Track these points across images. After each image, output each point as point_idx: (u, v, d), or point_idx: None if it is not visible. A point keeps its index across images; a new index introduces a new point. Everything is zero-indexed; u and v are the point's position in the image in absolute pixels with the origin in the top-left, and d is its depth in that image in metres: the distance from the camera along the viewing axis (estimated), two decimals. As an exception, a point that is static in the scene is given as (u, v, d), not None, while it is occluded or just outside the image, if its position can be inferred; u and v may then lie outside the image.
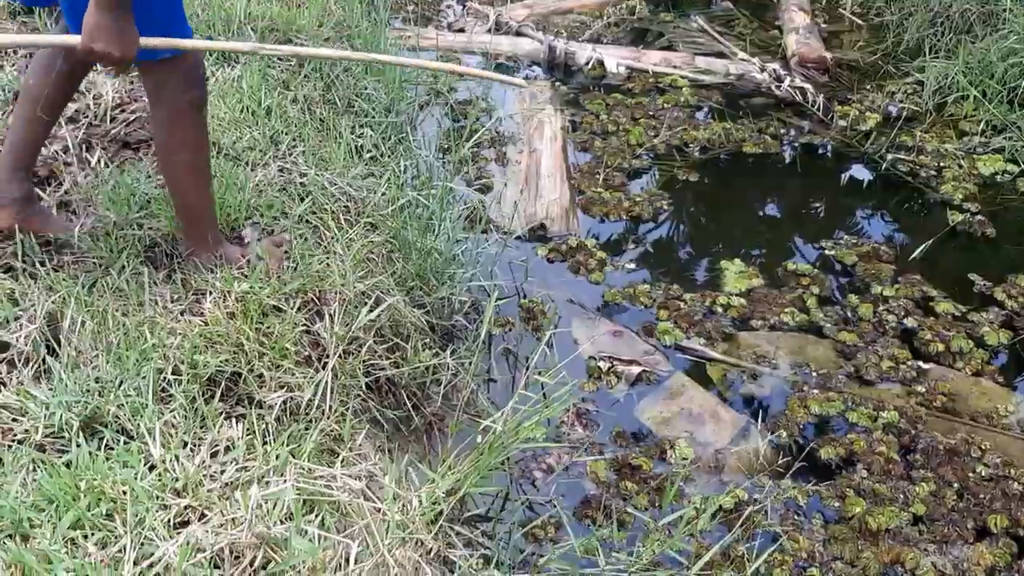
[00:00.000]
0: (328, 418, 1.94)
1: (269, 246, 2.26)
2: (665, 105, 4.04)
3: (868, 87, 4.15)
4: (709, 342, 2.85)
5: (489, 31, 4.57)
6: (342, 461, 1.72)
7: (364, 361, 2.21)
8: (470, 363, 2.62)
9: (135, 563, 1.31)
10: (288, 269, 2.20)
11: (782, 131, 3.89)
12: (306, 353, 2.09)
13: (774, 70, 4.16)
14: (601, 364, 2.75)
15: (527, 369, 2.45)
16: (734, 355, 2.81)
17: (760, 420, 2.59)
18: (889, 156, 3.68)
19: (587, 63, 4.31)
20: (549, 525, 2.26)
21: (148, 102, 1.99)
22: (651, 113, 3.99)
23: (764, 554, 2.02)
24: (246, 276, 2.04)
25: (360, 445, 1.98)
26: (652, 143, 3.77)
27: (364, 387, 2.23)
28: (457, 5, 4.87)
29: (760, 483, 2.38)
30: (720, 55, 4.44)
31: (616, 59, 4.31)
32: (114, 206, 2.25)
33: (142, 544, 1.37)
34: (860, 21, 4.74)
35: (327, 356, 2.09)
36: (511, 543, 2.18)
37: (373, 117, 3.33)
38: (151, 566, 1.32)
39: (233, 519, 1.41)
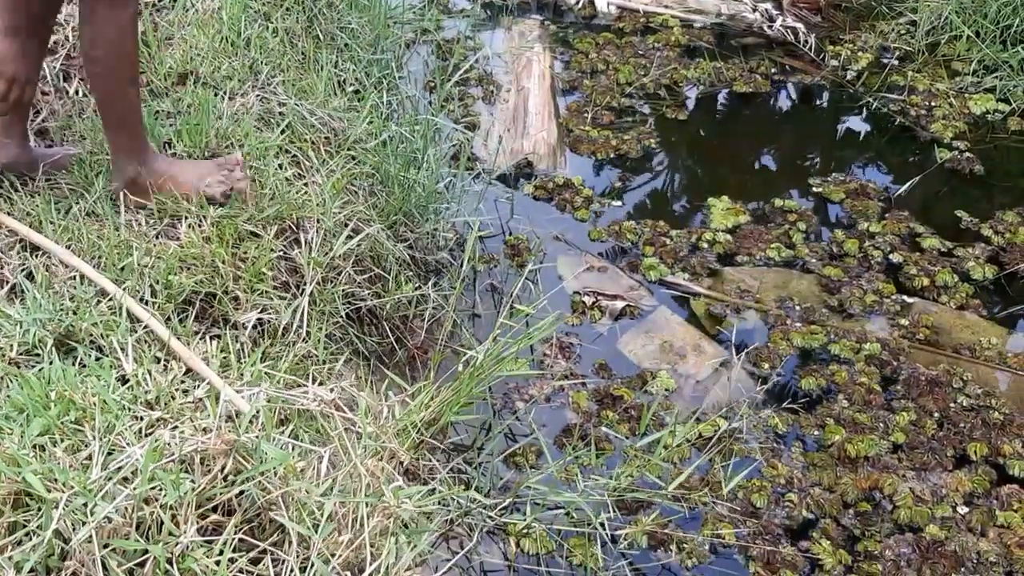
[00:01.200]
0: (305, 342, 1.94)
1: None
2: (655, 44, 3.99)
3: (861, 27, 4.10)
4: (694, 277, 2.85)
5: (479, -29, 4.50)
6: (316, 381, 1.72)
7: (344, 290, 2.20)
8: (453, 297, 2.63)
9: (103, 467, 1.31)
10: (264, 196, 2.19)
11: (773, 71, 3.84)
12: (283, 279, 2.08)
13: (766, 10, 4.11)
14: (585, 299, 2.75)
15: (510, 301, 2.45)
16: (719, 290, 2.80)
17: (743, 353, 2.59)
18: (880, 96, 3.64)
19: (577, 2, 4.25)
20: (530, 452, 2.27)
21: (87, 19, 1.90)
22: (641, 52, 3.94)
23: (740, 475, 2.03)
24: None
25: (340, 372, 1.99)
26: (642, 82, 3.73)
27: (344, 316, 2.23)
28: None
29: (740, 412, 2.39)
30: (712, -5, 4.37)
31: (606, -1, 4.25)
32: (90, 134, 2.23)
33: (111, 452, 1.37)
34: (855, -39, 4.66)
35: (305, 283, 2.09)
36: (491, 469, 2.19)
37: (357, 52, 3.29)
38: (118, 469, 1.32)
39: (204, 428, 1.41)
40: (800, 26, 4.02)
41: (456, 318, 2.62)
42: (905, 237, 2.98)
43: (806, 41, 3.94)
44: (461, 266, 2.67)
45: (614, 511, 2.03)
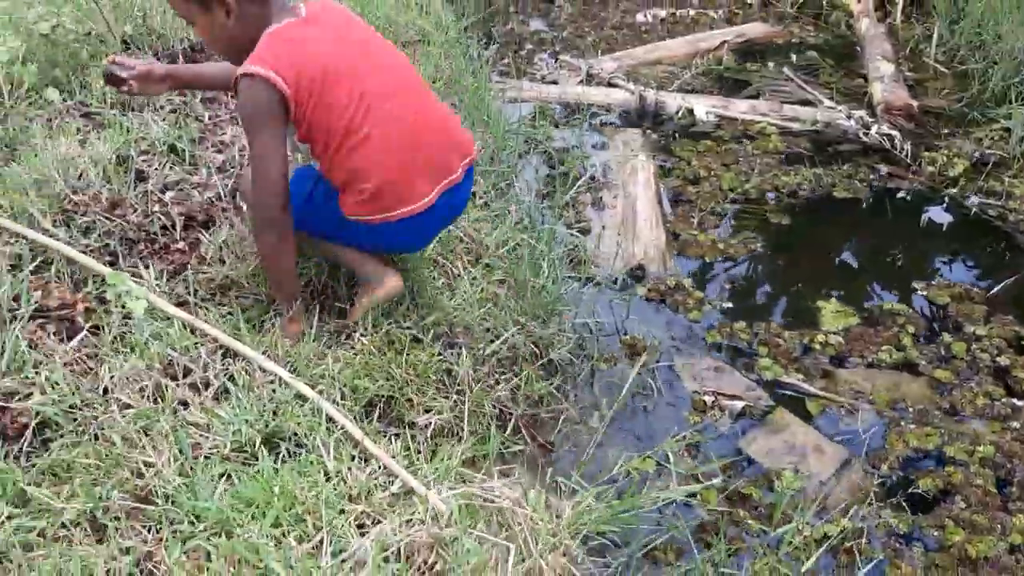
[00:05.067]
0: (465, 440, 2.14)
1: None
2: (754, 151, 4.20)
3: (954, 133, 4.25)
4: (808, 378, 2.98)
5: (581, 82, 4.81)
6: (489, 475, 1.90)
7: (490, 388, 2.40)
8: (575, 395, 2.81)
9: (333, 555, 1.51)
10: (424, 304, 2.42)
11: (871, 176, 4.01)
12: (439, 379, 2.29)
13: (861, 117, 4.30)
14: (706, 398, 2.90)
15: (629, 399, 2.62)
16: (833, 391, 2.93)
17: (861, 454, 2.70)
18: (977, 200, 3.77)
19: (677, 111, 4.51)
20: (670, 550, 2.40)
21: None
22: (741, 159, 4.15)
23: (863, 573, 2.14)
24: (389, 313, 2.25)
25: (510, 470, 2.17)
26: (743, 188, 3.93)
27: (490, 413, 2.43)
28: (549, 58, 5.13)
29: (863, 513, 2.49)
30: (807, 103, 4.59)
31: (705, 107, 4.49)
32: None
33: (333, 541, 1.56)
34: (944, 69, 4.85)
35: (458, 383, 2.29)
36: (632, 564, 2.33)
37: (480, 165, 3.57)
38: (343, 561, 1.52)
39: (408, 521, 1.60)
40: (895, 133, 4.19)
41: (577, 415, 2.79)
42: (1011, 340, 3.08)
43: (902, 148, 4.11)
44: (583, 366, 2.86)
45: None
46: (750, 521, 2.48)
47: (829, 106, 4.49)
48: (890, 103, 4.36)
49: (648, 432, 2.81)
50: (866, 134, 4.22)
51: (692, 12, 5.68)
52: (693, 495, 2.56)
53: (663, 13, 5.69)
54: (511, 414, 2.58)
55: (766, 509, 2.52)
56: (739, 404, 2.88)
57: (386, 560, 1.52)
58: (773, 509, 2.46)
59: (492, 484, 1.72)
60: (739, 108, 4.54)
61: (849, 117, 4.33)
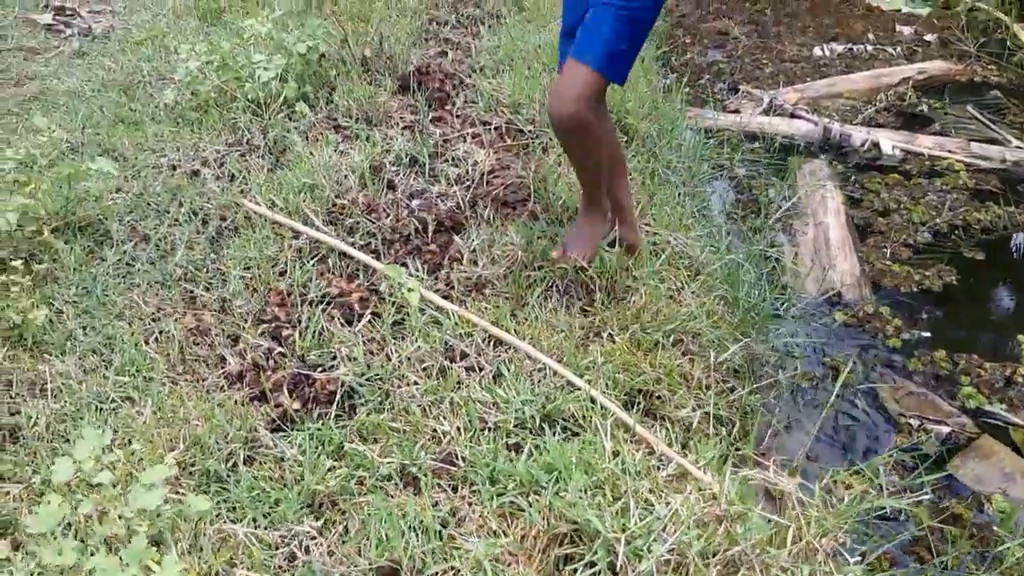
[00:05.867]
0: (712, 436, 2.32)
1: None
2: (943, 187, 4.25)
3: None
4: (1011, 408, 3.04)
5: (764, 113, 4.95)
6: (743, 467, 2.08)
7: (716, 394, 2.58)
8: (778, 408, 2.95)
9: (640, 518, 1.71)
10: (659, 312, 2.62)
11: (1067, 216, 4.01)
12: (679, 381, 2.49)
13: (1055, 158, 4.29)
14: (912, 421, 2.99)
15: (833, 418, 2.75)
16: (1038, 423, 2.98)
17: (1073, 484, 2.74)
18: None
19: (862, 144, 4.59)
20: (883, 559, 2.52)
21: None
22: (930, 193, 4.21)
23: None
24: (636, 317, 2.47)
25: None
26: (935, 222, 3.99)
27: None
28: (730, 89, 5.29)
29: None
30: (994, 141, 4.61)
31: (891, 142, 4.57)
32: (524, 252, 2.76)
33: (637, 505, 1.77)
34: None
35: (700, 387, 2.48)
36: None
37: (678, 187, 3.76)
38: (650, 523, 1.72)
39: (701, 494, 1.79)
40: (1092, 175, 4.18)
41: (783, 429, 2.93)
42: None
43: (1100, 190, 4.09)
44: (787, 384, 3.00)
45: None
46: (962, 541, 2.57)
47: (1018, 146, 4.50)
48: (1085, 145, 4.34)
49: (853, 449, 2.92)
50: (1061, 174, 4.22)
51: (870, 48, 5.74)
52: (902, 511, 2.67)
53: (840, 48, 5.77)
54: (732, 420, 2.75)
55: (978, 530, 2.60)
56: (945, 429, 2.96)
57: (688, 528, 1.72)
58: (986, 530, 2.54)
59: (768, 473, 1.89)
60: (925, 143, 4.59)
61: (1042, 157, 4.33)
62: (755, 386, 2.79)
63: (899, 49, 5.74)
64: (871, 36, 5.95)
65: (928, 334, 3.41)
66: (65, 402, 2.27)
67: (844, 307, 3.55)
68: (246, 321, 2.55)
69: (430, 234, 2.96)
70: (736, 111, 5.04)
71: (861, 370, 3.23)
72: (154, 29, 4.47)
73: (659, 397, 2.31)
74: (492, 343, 2.42)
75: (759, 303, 3.09)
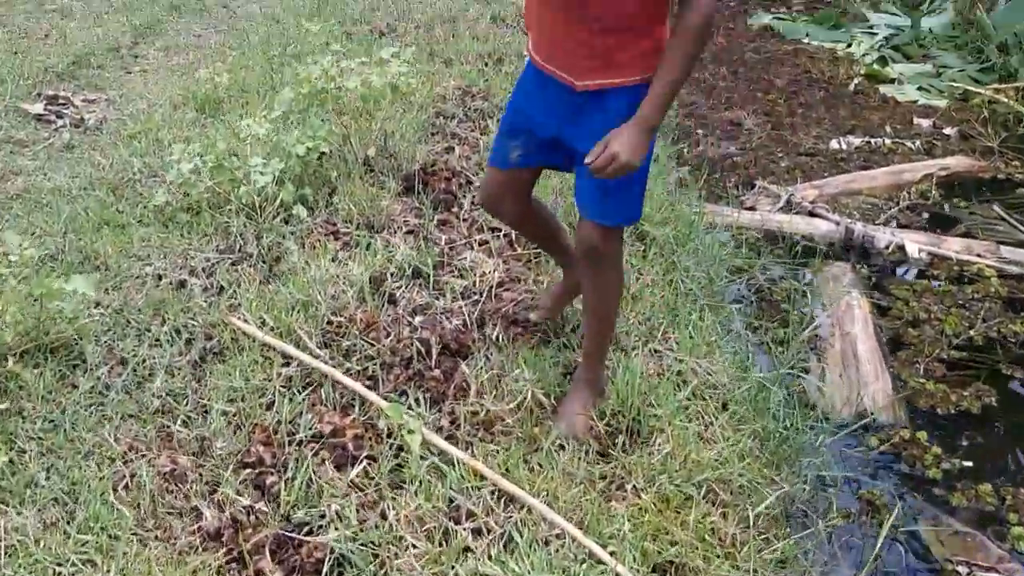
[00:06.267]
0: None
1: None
2: (974, 295, 4.03)
3: None
4: (1069, 555, 2.76)
5: (781, 210, 4.76)
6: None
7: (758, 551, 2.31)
8: (813, 553, 2.67)
9: None
10: (687, 460, 2.37)
11: (1109, 328, 3.78)
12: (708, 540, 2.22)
13: (1091, 265, 4.08)
14: (959, 568, 2.71)
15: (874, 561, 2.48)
16: (1101, 572, 2.70)
17: None
18: None
19: (887, 247, 4.39)
20: None
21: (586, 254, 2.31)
22: (961, 303, 3.99)
23: None
24: (663, 466, 2.21)
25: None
26: (969, 334, 3.76)
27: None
28: (744, 185, 5.10)
29: None
30: (1023, 244, 4.40)
31: (916, 245, 4.36)
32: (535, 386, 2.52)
33: None
34: None
35: (728, 544, 2.21)
36: None
37: (699, 298, 3.54)
38: None
39: None
40: None
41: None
42: None
43: None
44: (819, 523, 2.73)
45: None
46: None
47: (1050, 249, 4.29)
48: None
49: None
50: (1100, 283, 4.00)
51: (888, 141, 5.58)
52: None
53: (857, 141, 5.61)
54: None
55: None
56: (997, 578, 2.68)
57: None
58: None
59: None
60: (952, 247, 4.38)
61: (1076, 263, 4.12)
62: (792, 537, 2.53)
63: (918, 143, 5.58)
64: (888, 129, 5.79)
65: (970, 463, 3.15)
66: (19, 566, 2.00)
67: (878, 431, 3.29)
68: (227, 465, 2.29)
69: (434, 358, 2.72)
70: (752, 208, 4.84)
71: (899, 506, 2.96)
72: (149, 122, 4.30)
73: (693, 570, 2.05)
74: (502, 499, 2.16)
75: (791, 434, 2.84)
